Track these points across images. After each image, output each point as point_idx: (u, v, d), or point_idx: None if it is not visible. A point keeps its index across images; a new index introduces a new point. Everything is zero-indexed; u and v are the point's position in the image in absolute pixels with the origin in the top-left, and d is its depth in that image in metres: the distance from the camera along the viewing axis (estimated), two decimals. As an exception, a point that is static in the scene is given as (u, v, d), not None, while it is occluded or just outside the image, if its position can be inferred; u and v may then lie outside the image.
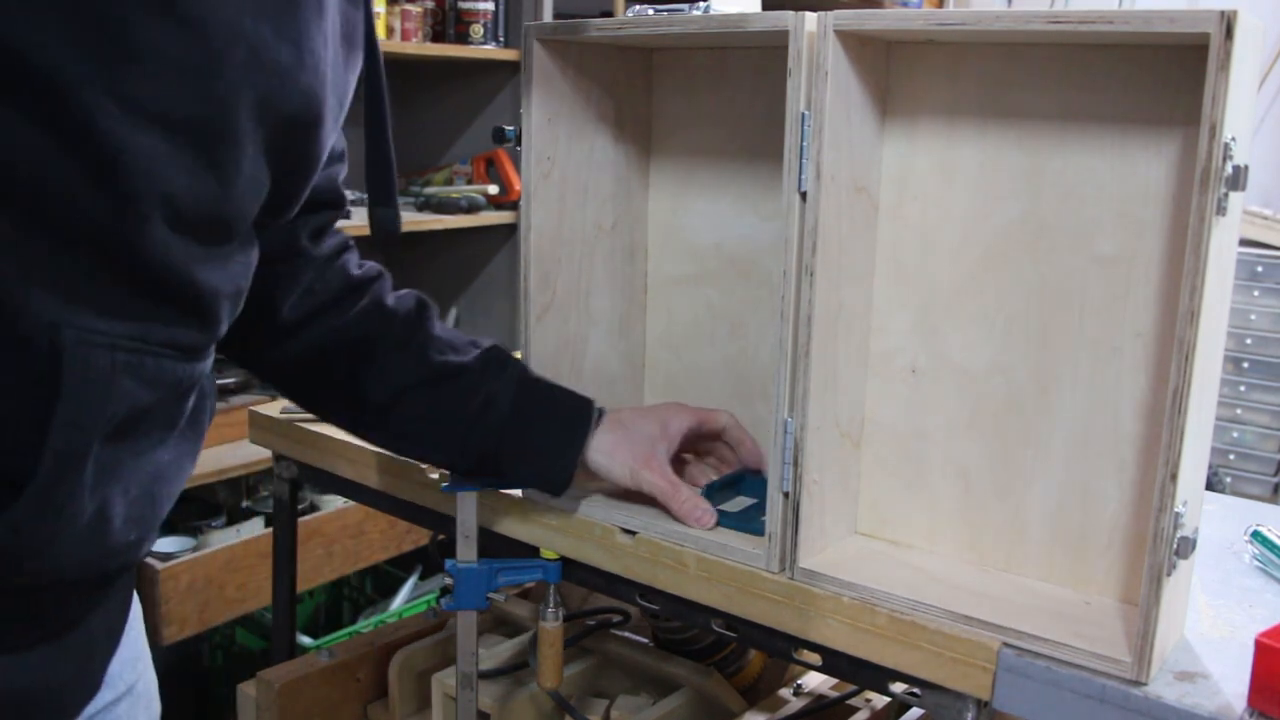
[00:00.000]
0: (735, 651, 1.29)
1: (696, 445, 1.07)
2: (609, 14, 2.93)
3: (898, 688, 0.87)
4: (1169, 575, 0.76)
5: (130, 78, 0.61)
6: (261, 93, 0.67)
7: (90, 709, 0.85)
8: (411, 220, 2.46)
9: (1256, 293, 2.97)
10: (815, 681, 1.31)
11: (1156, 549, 0.76)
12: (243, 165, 0.69)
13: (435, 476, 1.13)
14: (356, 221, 0.94)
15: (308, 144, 0.75)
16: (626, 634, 1.31)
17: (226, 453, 2.20)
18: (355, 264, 1.01)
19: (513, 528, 1.06)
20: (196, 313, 0.73)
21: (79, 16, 0.59)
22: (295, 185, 0.78)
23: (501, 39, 2.75)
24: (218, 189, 0.68)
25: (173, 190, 0.65)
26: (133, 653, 0.90)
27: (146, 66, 0.62)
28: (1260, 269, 2.97)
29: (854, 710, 1.25)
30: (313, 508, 2.33)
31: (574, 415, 0.99)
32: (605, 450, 0.99)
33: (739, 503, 1.03)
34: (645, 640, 1.30)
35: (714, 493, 1.02)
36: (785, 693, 1.30)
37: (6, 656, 0.72)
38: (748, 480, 1.05)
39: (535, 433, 0.98)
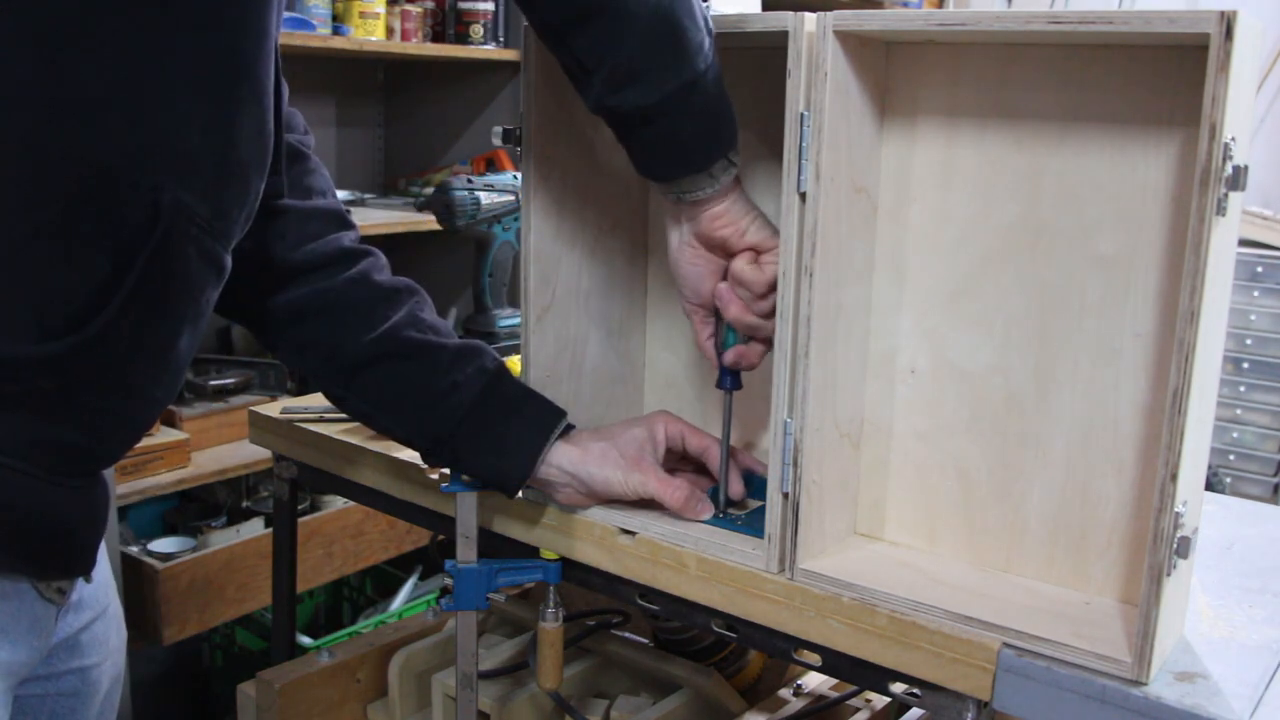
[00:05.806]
0: (735, 652, 1.29)
1: (686, 456, 1.06)
2: (609, 14, 2.92)
3: (898, 688, 0.87)
4: (1169, 575, 0.76)
5: None
6: None
7: (75, 623, 0.95)
8: (411, 221, 2.46)
9: (1256, 293, 2.97)
10: (815, 681, 1.31)
11: (1156, 549, 0.76)
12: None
13: (435, 477, 1.13)
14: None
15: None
16: (626, 634, 1.31)
17: (226, 453, 2.21)
18: (351, 239, 1.05)
19: (513, 528, 1.06)
20: (242, 204, 0.83)
21: None
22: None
23: (501, 39, 2.75)
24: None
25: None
26: (104, 578, 1.01)
27: None
28: (1260, 269, 2.97)
29: (854, 710, 1.25)
30: (313, 508, 2.33)
31: (539, 418, 0.99)
32: (594, 460, 0.98)
33: (747, 505, 1.03)
34: (645, 640, 1.30)
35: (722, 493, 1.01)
36: (785, 693, 1.29)
37: (51, 485, 0.82)
38: (757, 483, 1.04)
39: (495, 425, 0.98)
